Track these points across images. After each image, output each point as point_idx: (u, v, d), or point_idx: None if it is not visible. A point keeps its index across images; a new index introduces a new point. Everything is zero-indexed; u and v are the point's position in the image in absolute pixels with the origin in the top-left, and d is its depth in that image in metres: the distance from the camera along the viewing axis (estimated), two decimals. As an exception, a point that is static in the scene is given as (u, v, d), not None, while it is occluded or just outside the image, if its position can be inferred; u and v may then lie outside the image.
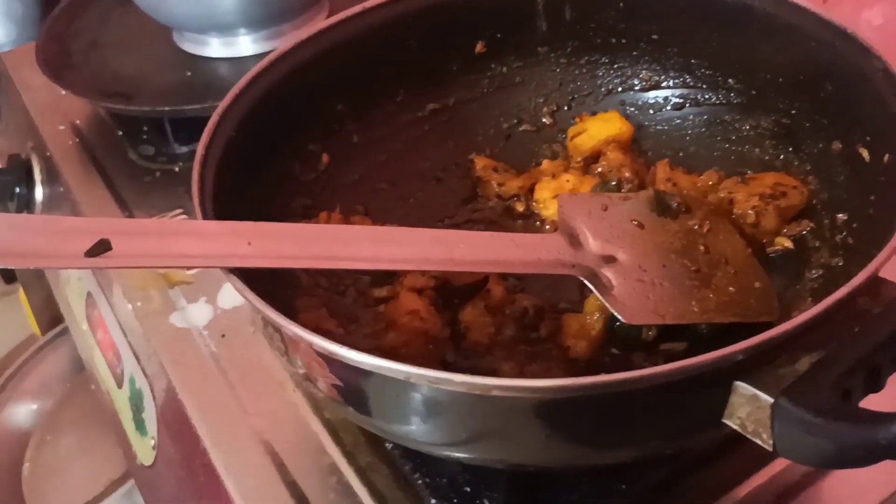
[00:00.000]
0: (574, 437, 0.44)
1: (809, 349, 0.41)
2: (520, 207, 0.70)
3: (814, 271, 0.59)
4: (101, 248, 0.44)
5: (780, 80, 0.65)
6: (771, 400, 0.40)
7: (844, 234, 0.58)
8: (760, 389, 0.40)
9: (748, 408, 0.41)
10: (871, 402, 0.42)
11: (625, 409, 0.42)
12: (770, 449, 0.41)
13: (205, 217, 0.50)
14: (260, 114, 0.61)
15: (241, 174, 0.59)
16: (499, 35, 0.73)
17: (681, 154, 0.71)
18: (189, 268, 0.69)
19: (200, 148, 0.54)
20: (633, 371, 0.38)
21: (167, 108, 0.84)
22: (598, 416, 0.42)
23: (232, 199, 0.57)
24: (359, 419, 0.49)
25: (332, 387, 0.45)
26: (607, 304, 0.53)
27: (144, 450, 0.71)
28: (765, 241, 0.62)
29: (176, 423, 0.65)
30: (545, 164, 0.72)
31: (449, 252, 0.52)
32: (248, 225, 0.48)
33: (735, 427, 0.42)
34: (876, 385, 0.43)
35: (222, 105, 0.58)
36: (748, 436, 0.42)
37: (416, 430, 0.45)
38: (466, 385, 0.39)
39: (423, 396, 0.41)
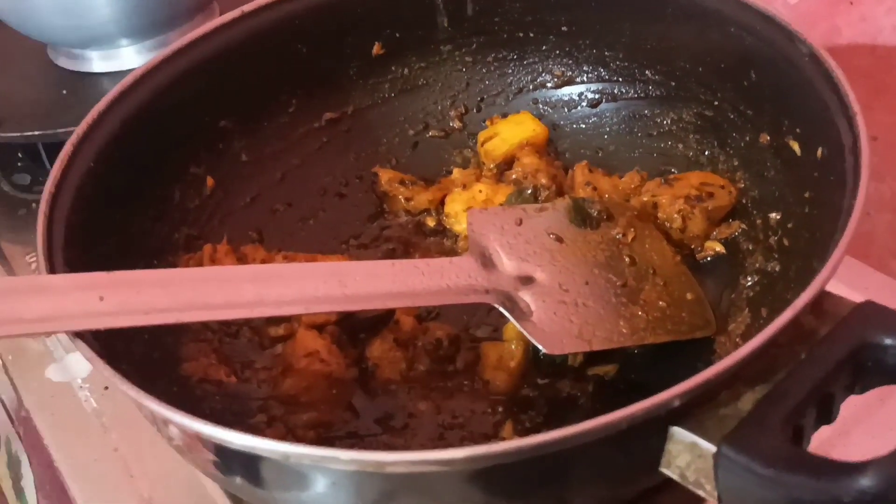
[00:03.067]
0: (492, 500, 0.38)
1: (753, 383, 0.36)
2: (431, 223, 0.64)
3: (749, 277, 0.54)
4: (-86, 320, 0.36)
5: (701, 69, 0.60)
6: (713, 448, 0.35)
7: (779, 234, 0.54)
8: (700, 436, 0.35)
9: (688, 456, 0.36)
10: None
11: (545, 468, 0.36)
12: (715, 501, 0.36)
13: (51, 269, 0.43)
14: (127, 138, 0.55)
15: (110, 209, 0.53)
16: (397, 34, 0.67)
17: (600, 154, 0.66)
18: (28, 335, 0.61)
19: (48, 186, 0.47)
20: (550, 433, 0.32)
21: (38, 133, 0.76)
22: (516, 477, 0.36)
23: (97, 242, 0.50)
24: (244, 492, 0.42)
25: (209, 462, 0.39)
26: (526, 334, 0.48)
27: (27, 521, 0.63)
28: (694, 246, 0.58)
29: (54, 493, 0.57)
30: (456, 172, 0.66)
31: (343, 287, 0.46)
32: (101, 276, 0.42)
33: (674, 477, 0.37)
34: (829, 417, 0.38)
35: (76, 134, 0.51)
36: (689, 487, 0.37)
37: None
38: (357, 463, 0.33)
39: (309, 474, 0.35)
